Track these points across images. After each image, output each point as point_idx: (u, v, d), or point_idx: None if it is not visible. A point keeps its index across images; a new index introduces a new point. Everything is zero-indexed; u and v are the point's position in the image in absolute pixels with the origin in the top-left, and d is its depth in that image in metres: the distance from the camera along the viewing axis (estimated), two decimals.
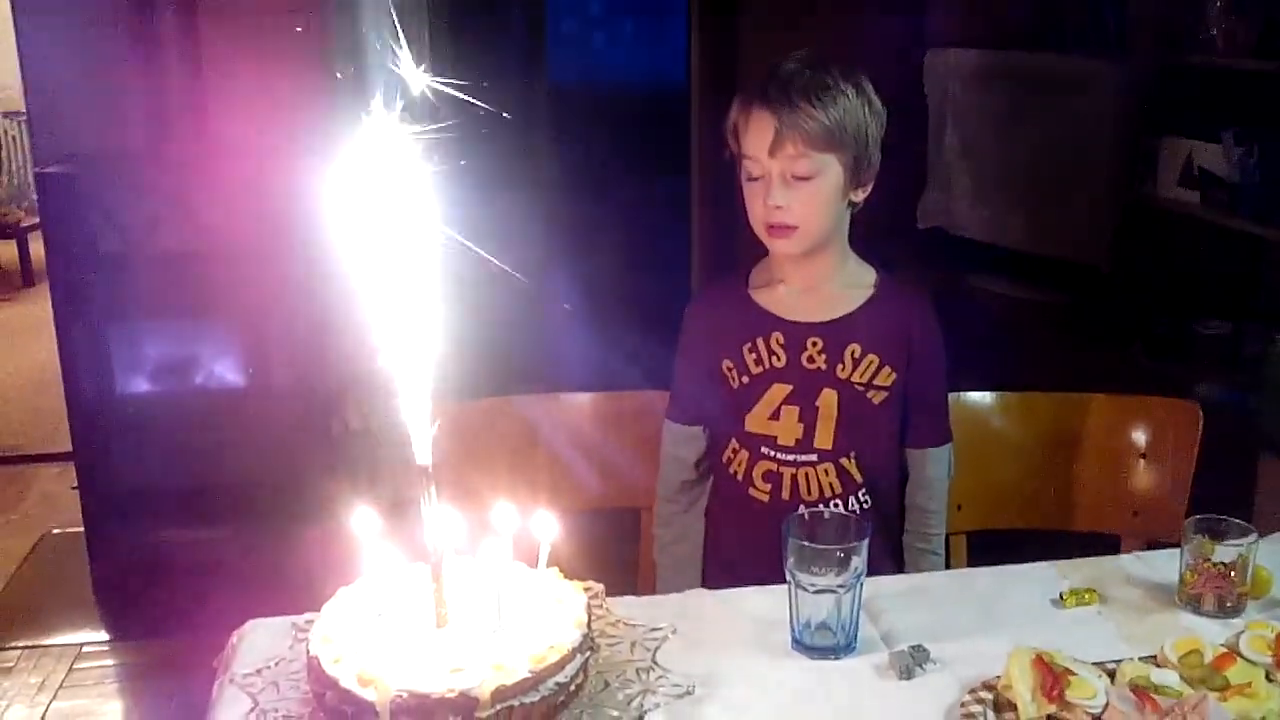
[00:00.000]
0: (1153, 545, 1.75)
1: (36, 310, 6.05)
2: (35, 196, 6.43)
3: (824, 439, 1.74)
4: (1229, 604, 1.46)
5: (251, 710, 1.17)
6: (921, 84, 3.72)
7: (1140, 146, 3.14)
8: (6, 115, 6.97)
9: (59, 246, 3.20)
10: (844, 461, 1.75)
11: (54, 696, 2.85)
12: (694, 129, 4.28)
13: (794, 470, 1.74)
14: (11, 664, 2.98)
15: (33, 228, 6.60)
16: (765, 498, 1.75)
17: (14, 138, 7.08)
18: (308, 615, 1.27)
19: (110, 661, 3.02)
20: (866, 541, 1.37)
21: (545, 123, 4.64)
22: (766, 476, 1.75)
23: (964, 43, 3.65)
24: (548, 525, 1.29)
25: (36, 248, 6.51)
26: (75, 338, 3.22)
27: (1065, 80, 3.29)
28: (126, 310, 3.26)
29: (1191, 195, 2.99)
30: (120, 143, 3.33)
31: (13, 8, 3.40)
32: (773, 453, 1.75)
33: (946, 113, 3.69)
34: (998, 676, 1.28)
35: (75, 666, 2.98)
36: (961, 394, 1.97)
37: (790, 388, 1.73)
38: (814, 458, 1.74)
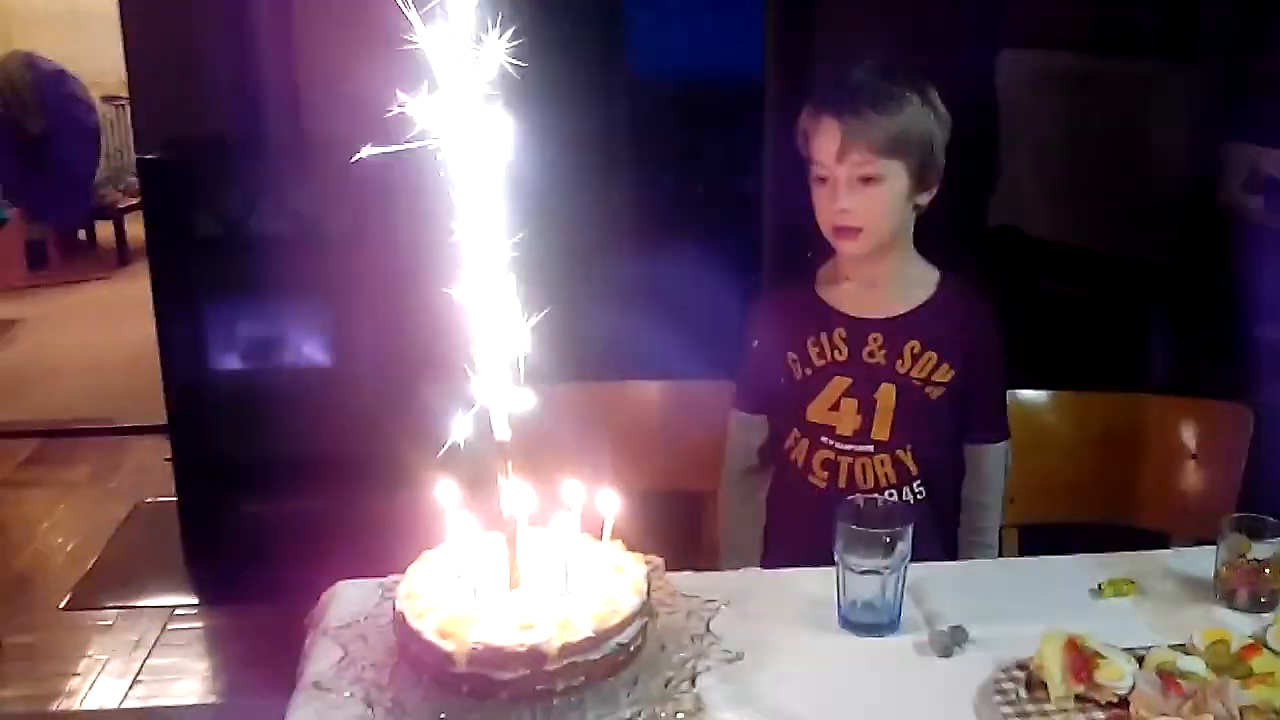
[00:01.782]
0: (1202, 544, 1.79)
1: (132, 288, 6.27)
2: (132, 179, 6.72)
3: (881, 431, 1.81)
4: (1263, 599, 1.51)
5: (342, 659, 1.29)
6: (994, 84, 3.75)
7: (1208, 151, 3.15)
8: (105, 100, 7.22)
9: (159, 229, 3.36)
10: (899, 453, 1.82)
11: (149, 654, 3.02)
12: (767, 125, 4.34)
13: (851, 460, 1.82)
14: (110, 623, 3.16)
15: (129, 209, 6.85)
16: (823, 485, 1.83)
17: (112, 122, 7.33)
18: (393, 576, 1.39)
19: (200, 624, 3.18)
20: (911, 528, 1.45)
21: (621, 116, 4.73)
22: (825, 465, 1.83)
23: (1038, 44, 3.67)
24: (612, 502, 1.39)
25: (132, 228, 6.77)
26: (172, 316, 3.38)
27: (1135, 83, 3.31)
28: (221, 290, 3.41)
29: (1257, 201, 3.00)
30: (218, 130, 3.48)
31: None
32: (832, 442, 1.83)
33: (1018, 113, 3.72)
34: (1031, 657, 1.35)
35: (168, 627, 3.14)
36: (1017, 392, 2.03)
37: (850, 380, 1.81)
38: (871, 448, 1.82)
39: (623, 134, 4.74)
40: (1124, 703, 1.29)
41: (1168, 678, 1.30)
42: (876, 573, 1.44)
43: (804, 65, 3.99)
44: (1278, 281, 2.96)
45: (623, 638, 1.24)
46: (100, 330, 5.75)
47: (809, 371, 1.83)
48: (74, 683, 2.91)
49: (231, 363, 3.50)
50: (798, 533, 1.86)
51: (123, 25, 3.56)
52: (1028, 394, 2.05)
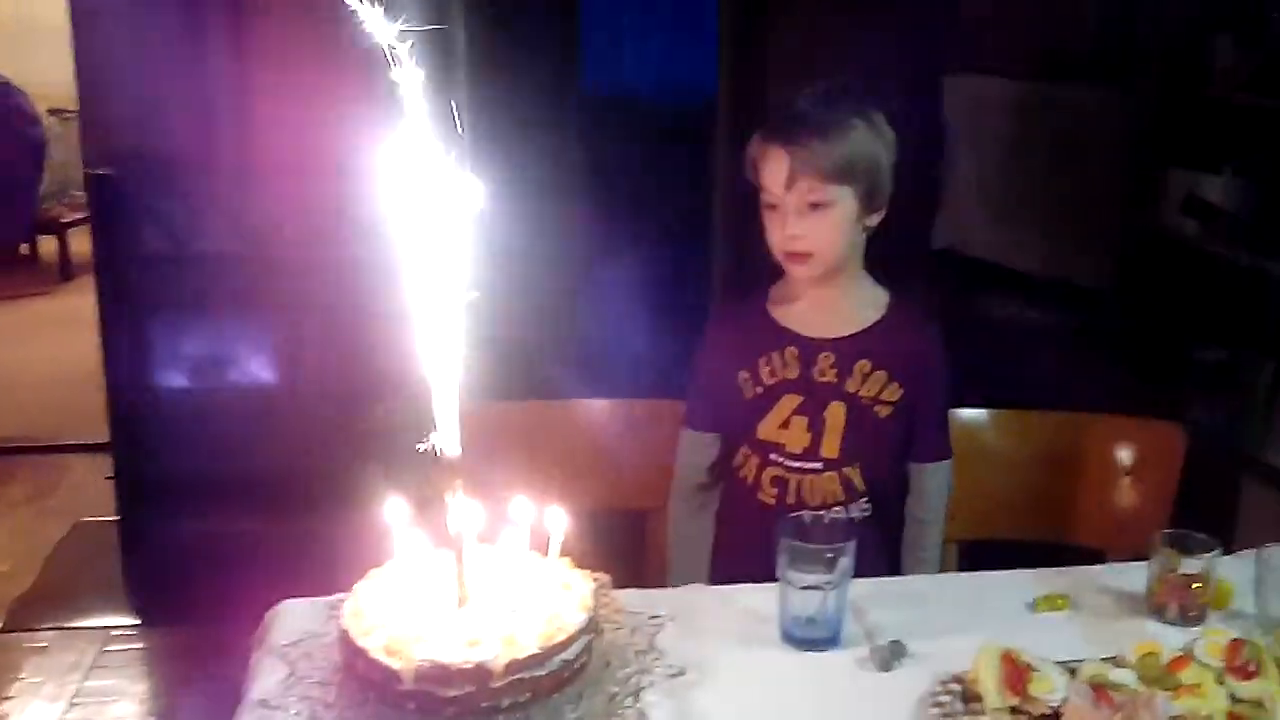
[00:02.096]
0: (1136, 559, 1.84)
1: (74, 304, 6.18)
2: (76, 193, 6.64)
3: (830, 449, 1.84)
4: (1192, 613, 1.56)
5: (288, 677, 1.29)
6: (938, 109, 3.81)
7: (1145, 176, 3.24)
8: (51, 113, 7.12)
9: (106, 245, 3.31)
10: (847, 471, 1.85)
11: (85, 676, 2.97)
12: (719, 145, 4.38)
13: (800, 477, 1.85)
14: (46, 645, 3.11)
15: (73, 223, 6.75)
16: (772, 501, 1.85)
17: (58, 135, 7.23)
18: (339, 594, 1.39)
19: (139, 645, 3.14)
20: (853, 544, 1.48)
21: (575, 133, 4.75)
22: (774, 482, 1.86)
23: (981, 70, 3.75)
24: (559, 519, 1.40)
25: (76, 243, 6.67)
26: (117, 332, 3.33)
27: (1075, 109, 3.39)
28: (167, 307, 3.37)
29: (1192, 225, 3.09)
30: (167, 146, 3.45)
31: (70, 11, 3.53)
32: (781, 459, 1.85)
33: (961, 138, 3.79)
34: (967, 671, 1.38)
35: (105, 649, 3.10)
36: (958, 410, 2.06)
37: (801, 398, 1.84)
38: (819, 466, 1.85)
39: (576, 152, 4.76)
40: (1056, 714, 1.32)
41: (1099, 689, 1.33)
42: (818, 588, 1.46)
43: (756, 85, 4.04)
44: (1211, 304, 3.04)
45: (568, 654, 1.25)
46: (41, 346, 5.66)
47: (760, 390, 1.86)
48: (7, 706, 2.86)
49: (176, 380, 3.46)
50: (747, 549, 1.86)
51: (74, 38, 3.53)
52: (967, 412, 2.09)
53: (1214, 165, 3.04)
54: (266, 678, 1.33)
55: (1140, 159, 3.27)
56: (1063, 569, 1.71)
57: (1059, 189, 3.41)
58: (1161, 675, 1.37)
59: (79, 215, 6.48)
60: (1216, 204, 3.01)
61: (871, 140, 1.78)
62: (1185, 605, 1.56)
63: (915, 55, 3.79)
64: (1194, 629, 1.52)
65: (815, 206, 1.75)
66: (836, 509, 1.85)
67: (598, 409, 2.12)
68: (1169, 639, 1.48)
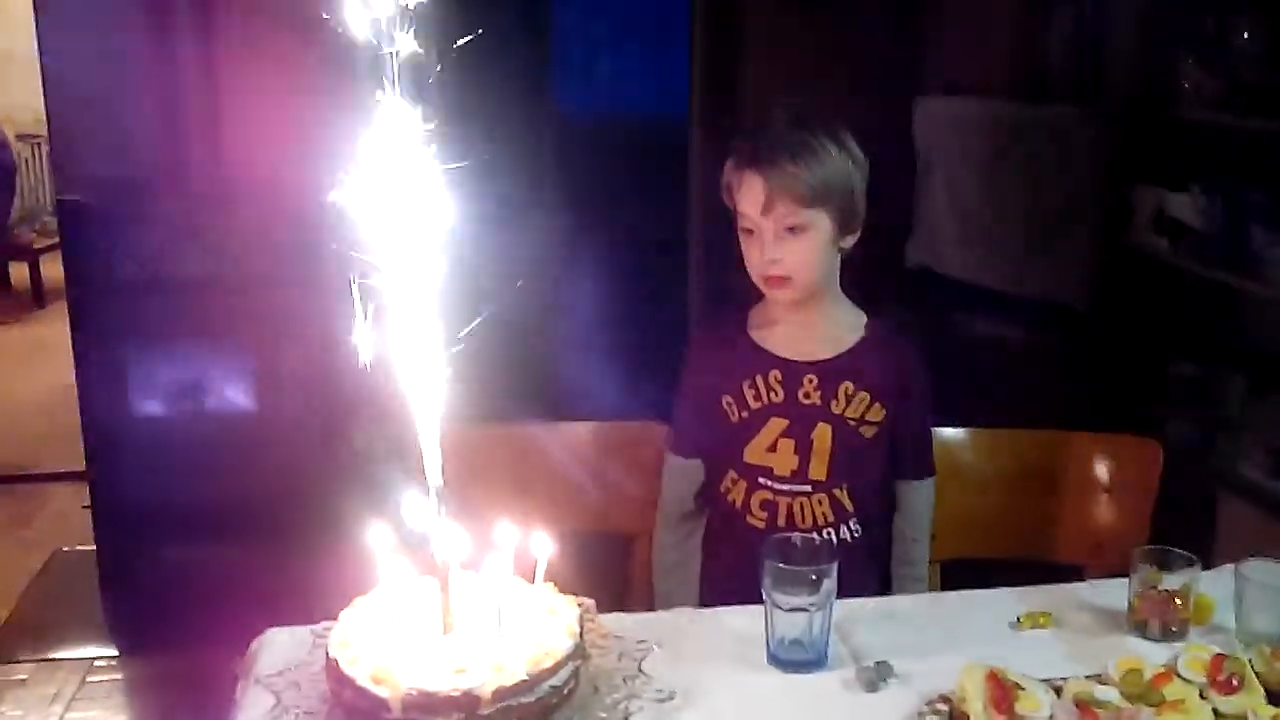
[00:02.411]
0: (1115, 576, 1.86)
1: (48, 331, 6.15)
2: (48, 219, 6.60)
3: (818, 470, 1.85)
4: (1173, 629, 1.57)
5: (274, 706, 1.28)
6: (910, 129, 3.85)
7: (1116, 194, 3.27)
8: (20, 138, 7.09)
9: (79, 271, 3.30)
10: (836, 492, 1.86)
11: (67, 708, 2.94)
12: (692, 161, 4.40)
13: (790, 500, 1.86)
14: (26, 677, 3.08)
15: (45, 249, 6.71)
16: (762, 525, 1.86)
17: (27, 160, 7.20)
18: (325, 623, 1.39)
19: (120, 675, 3.11)
20: (835, 566, 1.48)
21: (549, 149, 4.76)
22: (764, 505, 1.87)
23: (952, 91, 3.79)
24: (544, 544, 1.41)
25: (49, 269, 6.62)
26: (92, 360, 3.31)
27: (1046, 129, 3.42)
28: (142, 333, 3.35)
29: (1162, 242, 3.12)
30: (139, 171, 3.44)
31: (39, 37, 3.52)
32: (769, 483, 1.86)
33: (933, 157, 3.82)
34: (954, 690, 1.39)
35: (87, 680, 3.07)
36: (936, 430, 2.08)
37: (787, 422, 1.85)
38: (808, 488, 1.85)
39: (549, 170, 4.77)
40: None
41: (1084, 707, 1.34)
42: (804, 609, 1.47)
43: (729, 100, 4.06)
44: (1184, 320, 3.08)
45: (556, 680, 1.25)
46: (15, 374, 5.62)
47: (745, 414, 1.87)
48: None
49: (152, 407, 3.44)
50: (736, 572, 1.86)
51: (41, 64, 3.52)
52: (946, 431, 2.10)
53: (1182, 183, 3.07)
54: (253, 708, 1.32)
55: (1111, 177, 3.31)
56: (1045, 586, 1.72)
57: (1032, 207, 3.45)
58: (1145, 691, 1.38)
59: (50, 241, 6.45)
60: (1186, 221, 3.04)
61: (845, 162, 1.79)
62: (1167, 621, 1.58)
63: (887, 75, 3.82)
64: (1176, 644, 1.54)
65: (792, 230, 1.77)
66: (827, 531, 1.86)
67: (579, 431, 2.13)
68: (1151, 655, 1.50)
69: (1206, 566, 1.61)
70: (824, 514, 1.86)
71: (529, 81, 4.59)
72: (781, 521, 1.85)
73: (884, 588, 1.93)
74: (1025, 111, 3.51)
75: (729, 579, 1.88)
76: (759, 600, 1.51)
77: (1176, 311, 3.13)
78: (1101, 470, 2.09)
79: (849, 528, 1.88)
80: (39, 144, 6.89)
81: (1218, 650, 1.47)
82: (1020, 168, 3.45)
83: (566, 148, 4.68)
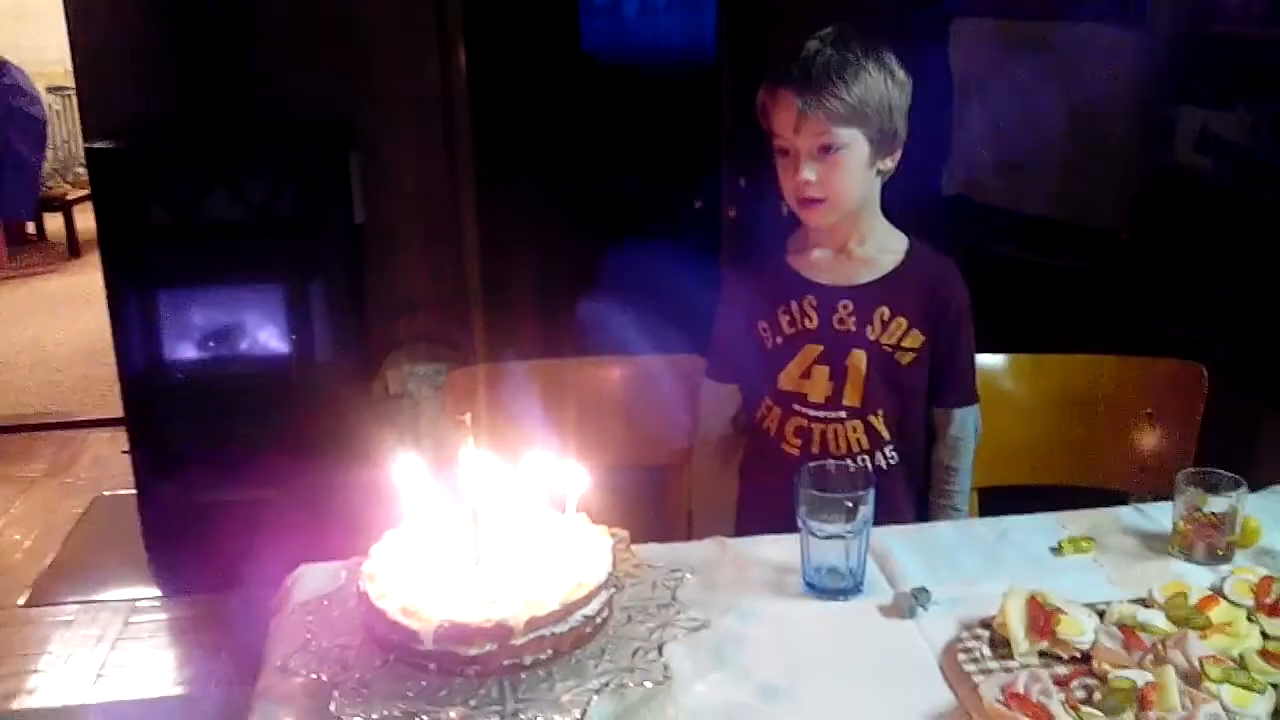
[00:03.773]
0: (1159, 501, 1.83)
1: (83, 281, 6.21)
2: (80, 170, 6.62)
3: (853, 397, 1.82)
4: (1219, 552, 1.54)
5: (307, 641, 1.28)
6: (946, 52, 3.76)
7: (1158, 115, 3.19)
8: (51, 90, 7.10)
9: (110, 219, 3.30)
10: (871, 419, 1.83)
11: (112, 648, 2.99)
12: (724, 98, 4.34)
13: (824, 426, 1.83)
14: (71, 618, 3.13)
15: (78, 200, 6.75)
16: (796, 452, 1.84)
17: (59, 112, 7.21)
18: (356, 558, 1.38)
19: (163, 616, 3.16)
20: (872, 492, 1.46)
21: (577, 91, 4.71)
22: (798, 432, 1.85)
23: (988, 12, 3.70)
24: (577, 476, 1.39)
25: (82, 220, 6.67)
26: (126, 307, 3.34)
27: (1085, 49, 3.33)
28: (175, 280, 3.36)
29: (1206, 162, 3.04)
30: (168, 116, 3.44)
31: None
32: (804, 409, 1.84)
33: (971, 81, 3.73)
34: (994, 616, 1.37)
35: (130, 621, 3.11)
36: (976, 357, 2.05)
37: (821, 348, 1.82)
38: (843, 414, 1.83)
39: (582, 114, 4.73)
40: (1086, 657, 1.31)
41: (1128, 631, 1.32)
42: (840, 537, 1.45)
43: (760, 37, 3.99)
44: (1228, 241, 3.00)
45: (589, 610, 1.24)
46: (53, 324, 5.68)
47: (780, 340, 1.84)
48: (36, 680, 2.87)
49: (187, 352, 3.46)
50: (772, 500, 1.85)
51: (66, 11, 3.51)
52: (985, 359, 2.07)
53: (1228, 101, 2.98)
54: (285, 642, 1.32)
55: (1152, 98, 3.22)
56: (1085, 511, 1.70)
57: (1070, 131, 3.37)
58: (1191, 615, 1.36)
59: (83, 192, 6.49)
60: (1230, 140, 2.96)
61: (883, 82, 1.74)
62: (1212, 544, 1.55)
63: None
64: (1222, 568, 1.51)
65: (826, 150, 1.72)
66: (862, 457, 1.83)
67: (615, 365, 2.11)
68: (1197, 578, 1.47)
69: (1253, 489, 1.57)
70: (859, 440, 1.83)
71: (556, 23, 4.54)
72: (816, 449, 1.83)
73: (921, 516, 1.91)
74: (1064, 32, 3.42)
75: (765, 506, 1.87)
76: (795, 528, 1.49)
77: (1219, 233, 3.05)
78: (1144, 395, 2.05)
79: (884, 454, 1.85)
80: (69, 96, 6.90)
81: (1265, 572, 1.44)
82: (1060, 90, 3.37)
83: (599, 91, 4.64)
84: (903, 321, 1.82)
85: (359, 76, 3.60)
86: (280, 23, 3.51)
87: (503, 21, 4.10)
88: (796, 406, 1.84)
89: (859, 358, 1.81)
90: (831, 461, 1.61)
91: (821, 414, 1.83)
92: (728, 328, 1.92)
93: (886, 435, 1.85)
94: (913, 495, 1.91)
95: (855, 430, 1.83)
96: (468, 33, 3.70)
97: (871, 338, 1.81)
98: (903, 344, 1.82)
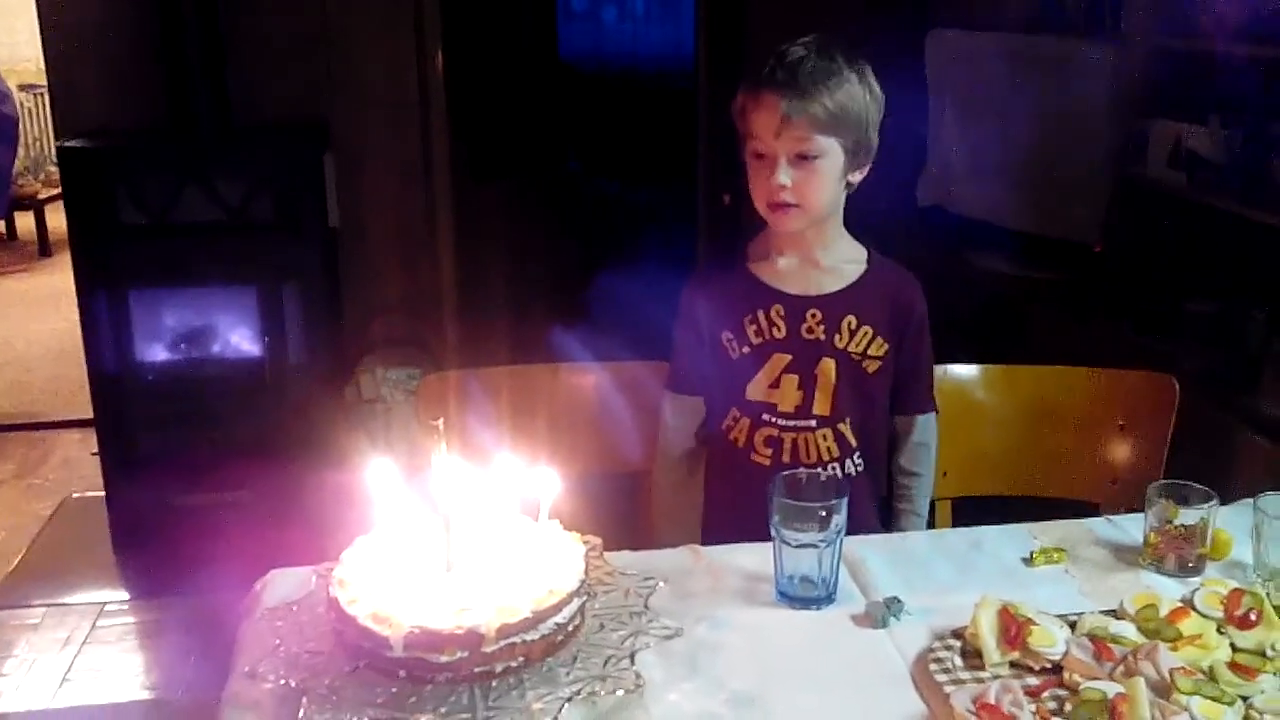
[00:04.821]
0: (1131, 513, 1.83)
1: (54, 280, 6.16)
2: (52, 169, 6.57)
3: (822, 406, 1.83)
4: (1190, 564, 1.55)
5: (276, 646, 1.27)
6: (922, 64, 3.78)
7: (1132, 128, 3.21)
8: (23, 88, 7.04)
9: (81, 218, 3.27)
10: (841, 427, 1.84)
11: (79, 652, 2.96)
12: (701, 105, 4.36)
13: (794, 435, 1.83)
14: (38, 621, 3.09)
15: (50, 199, 6.70)
16: (767, 462, 1.84)
17: (30, 110, 7.15)
18: (327, 563, 1.37)
19: (131, 619, 3.12)
20: (845, 501, 1.46)
21: (554, 96, 4.72)
22: (768, 442, 1.84)
23: (964, 25, 3.72)
24: (550, 482, 1.38)
25: (54, 219, 6.61)
26: (96, 307, 3.31)
27: (1060, 62, 3.36)
28: (147, 280, 3.34)
29: (1179, 176, 3.06)
30: (139, 115, 3.42)
31: None
32: (773, 419, 1.84)
33: (946, 93, 3.76)
34: (966, 626, 1.37)
35: (98, 624, 3.08)
36: (948, 367, 2.05)
37: (790, 357, 1.82)
38: (812, 423, 1.83)
39: (558, 119, 4.73)
40: (1057, 668, 1.31)
41: (1099, 642, 1.32)
42: (813, 546, 1.44)
43: (738, 45, 4.01)
44: (1201, 255, 3.03)
45: (561, 617, 1.23)
46: (23, 324, 5.64)
47: (746, 350, 1.84)
48: (1, 684, 2.84)
49: (158, 354, 3.44)
50: (741, 510, 1.85)
51: (38, 9, 3.48)
52: (959, 369, 2.08)
53: (1201, 116, 3.01)
54: (254, 648, 1.30)
55: (1126, 112, 3.25)
56: (1057, 522, 1.70)
57: (1046, 143, 3.39)
58: (1162, 626, 1.36)
59: (54, 191, 6.43)
60: (1203, 155, 2.98)
61: (863, 94, 1.74)
62: (1183, 556, 1.55)
63: (897, 8, 3.76)
64: (1193, 580, 1.52)
65: (804, 158, 1.72)
66: (832, 466, 1.83)
67: (588, 371, 2.10)
68: (1167, 590, 1.48)
69: (1224, 502, 1.58)
70: (829, 449, 1.84)
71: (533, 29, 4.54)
72: (787, 457, 1.83)
73: (886, 524, 1.92)
74: (1039, 45, 3.44)
75: (732, 517, 1.87)
76: (762, 537, 1.48)
77: (1192, 246, 3.08)
78: (1116, 406, 2.05)
79: (853, 462, 1.86)
80: (41, 94, 6.84)
81: (1235, 585, 1.44)
82: (1034, 103, 3.39)
83: (572, 96, 4.64)
84: (869, 330, 1.82)
85: (336, 79, 3.58)
86: (257, 24, 3.50)
87: (480, 26, 4.10)
88: (766, 416, 1.84)
89: (829, 366, 1.82)
90: (804, 470, 1.61)
91: (792, 423, 1.83)
92: (690, 339, 1.90)
93: (855, 444, 1.85)
94: (878, 503, 1.93)
95: (825, 439, 1.84)
96: (445, 37, 3.70)
97: (840, 346, 1.82)
98: (869, 352, 1.83)
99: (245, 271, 3.36)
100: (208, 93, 3.32)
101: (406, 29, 3.63)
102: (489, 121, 4.10)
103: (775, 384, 1.83)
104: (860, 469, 1.86)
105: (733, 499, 1.90)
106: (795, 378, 1.82)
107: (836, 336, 1.82)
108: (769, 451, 1.84)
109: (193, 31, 3.29)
